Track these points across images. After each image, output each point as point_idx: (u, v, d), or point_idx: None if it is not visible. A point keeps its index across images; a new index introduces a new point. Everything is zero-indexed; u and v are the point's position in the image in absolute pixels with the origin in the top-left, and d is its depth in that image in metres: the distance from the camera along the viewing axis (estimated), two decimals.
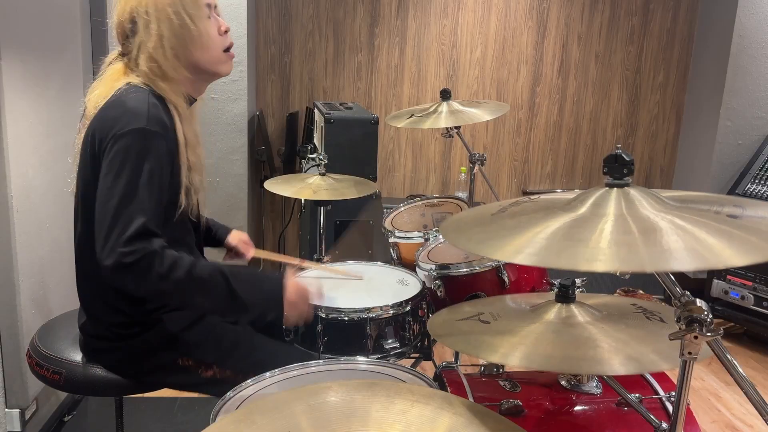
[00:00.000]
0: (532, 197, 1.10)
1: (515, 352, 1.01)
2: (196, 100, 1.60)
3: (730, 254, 0.78)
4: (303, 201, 3.24)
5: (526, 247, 0.86)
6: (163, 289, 1.33)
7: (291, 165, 3.67)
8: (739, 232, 0.83)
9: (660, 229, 0.84)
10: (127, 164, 1.34)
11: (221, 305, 1.42)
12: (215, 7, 1.53)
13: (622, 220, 0.88)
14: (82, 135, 1.49)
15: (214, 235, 1.87)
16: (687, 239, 0.81)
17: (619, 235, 0.84)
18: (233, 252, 1.90)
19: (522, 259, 0.84)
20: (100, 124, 1.41)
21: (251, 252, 1.92)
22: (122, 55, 1.51)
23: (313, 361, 1.39)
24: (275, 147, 3.78)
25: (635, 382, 1.38)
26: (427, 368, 2.43)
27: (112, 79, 1.48)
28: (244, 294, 1.38)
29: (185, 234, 1.57)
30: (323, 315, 1.62)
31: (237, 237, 1.90)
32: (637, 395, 1.30)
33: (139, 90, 1.43)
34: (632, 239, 0.83)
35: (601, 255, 0.80)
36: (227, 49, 1.54)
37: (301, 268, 1.88)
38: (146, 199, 1.34)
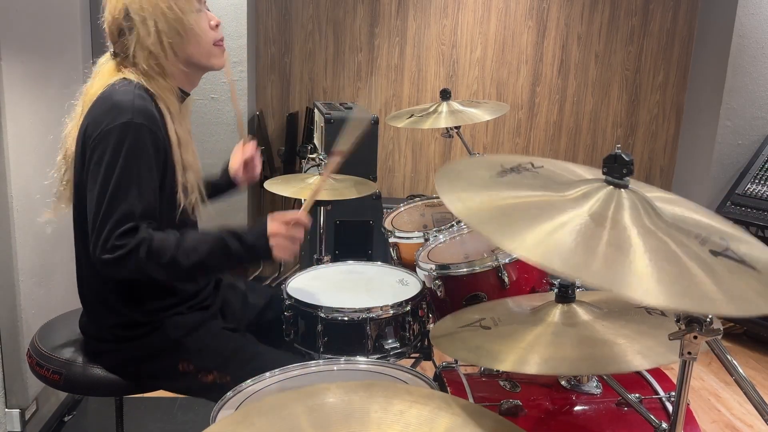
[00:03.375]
0: (536, 165, 1.05)
1: (525, 360, 1.00)
2: (188, 94, 1.60)
3: (687, 301, 0.73)
4: (303, 201, 3.24)
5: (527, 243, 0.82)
6: (157, 273, 1.38)
7: (291, 165, 3.67)
8: (712, 276, 0.77)
9: (630, 251, 0.78)
10: (114, 161, 1.36)
11: (217, 267, 1.48)
12: (204, 1, 1.54)
13: (598, 228, 0.83)
14: (74, 133, 1.50)
15: (221, 184, 1.84)
16: (656, 270, 0.76)
17: (586, 240, 0.80)
18: (241, 172, 1.84)
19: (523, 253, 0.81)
20: (89, 120, 1.43)
21: (256, 160, 1.85)
22: (115, 55, 1.51)
23: (313, 361, 1.39)
24: (275, 147, 3.78)
25: (635, 382, 1.38)
26: (427, 368, 2.43)
27: (106, 77, 1.49)
28: (233, 256, 1.40)
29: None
30: (323, 315, 1.62)
31: (234, 163, 1.84)
32: (637, 395, 1.30)
33: (127, 84, 1.44)
34: (599, 251, 0.78)
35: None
36: (217, 43, 1.54)
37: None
38: (134, 193, 1.36)
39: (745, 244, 0.88)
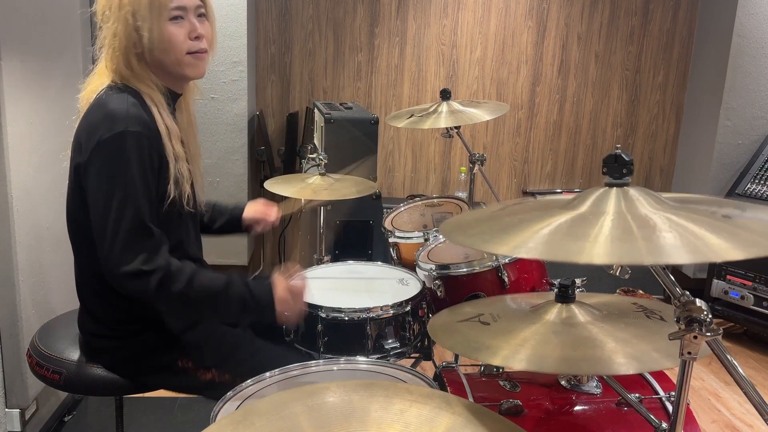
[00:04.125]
0: (536, 197, 1.10)
1: (516, 355, 1.01)
2: (180, 94, 1.58)
3: (726, 248, 0.79)
4: (303, 201, 3.24)
5: (527, 242, 0.86)
6: (161, 302, 1.41)
7: (291, 165, 3.67)
8: (734, 229, 0.83)
9: (658, 226, 0.85)
10: (117, 172, 1.36)
11: (216, 315, 1.49)
12: (194, 9, 1.48)
13: (622, 218, 0.88)
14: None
15: (230, 220, 1.86)
16: (683, 235, 0.82)
17: (617, 231, 0.85)
18: (256, 226, 1.90)
19: (523, 252, 0.84)
20: (83, 129, 1.43)
21: (273, 214, 1.90)
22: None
23: (313, 361, 1.39)
24: (275, 147, 3.78)
25: (635, 382, 1.38)
26: (427, 368, 2.43)
27: (100, 75, 1.50)
28: (237, 303, 1.41)
29: (177, 225, 1.55)
30: (323, 315, 1.62)
31: (252, 209, 1.88)
32: (637, 395, 1.30)
33: (118, 90, 1.44)
34: (630, 235, 0.84)
35: (600, 249, 0.81)
36: (193, 52, 1.49)
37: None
38: (143, 204, 1.37)
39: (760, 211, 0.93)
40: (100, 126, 1.38)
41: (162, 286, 1.35)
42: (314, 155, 2.22)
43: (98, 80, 1.49)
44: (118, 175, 1.36)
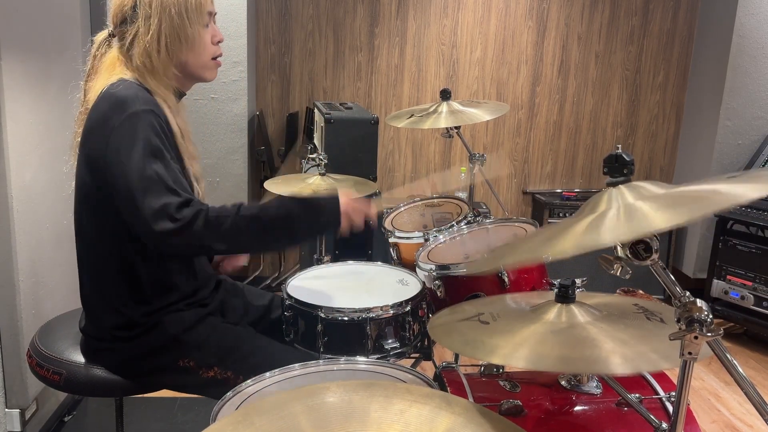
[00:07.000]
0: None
1: (515, 353, 1.01)
2: (184, 94, 1.62)
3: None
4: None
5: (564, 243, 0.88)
6: (216, 243, 1.37)
7: (291, 165, 3.67)
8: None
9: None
10: (135, 146, 1.36)
11: (285, 238, 1.50)
12: (215, 15, 1.58)
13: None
14: (80, 129, 1.50)
15: None
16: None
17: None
18: (225, 266, 1.88)
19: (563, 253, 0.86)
20: (94, 121, 1.44)
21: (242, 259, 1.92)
22: (111, 36, 1.52)
23: (313, 361, 1.39)
24: (275, 147, 3.78)
25: (635, 382, 1.38)
26: (427, 368, 2.43)
27: (108, 71, 1.50)
28: (307, 218, 1.46)
29: None
30: (323, 315, 1.62)
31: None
32: (637, 395, 1.30)
33: (127, 82, 1.46)
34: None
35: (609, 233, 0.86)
36: (216, 58, 1.59)
37: None
38: (167, 170, 1.37)
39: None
40: (113, 115, 1.39)
41: (208, 224, 1.34)
42: (314, 155, 2.22)
43: (108, 75, 1.49)
44: (136, 150, 1.36)
